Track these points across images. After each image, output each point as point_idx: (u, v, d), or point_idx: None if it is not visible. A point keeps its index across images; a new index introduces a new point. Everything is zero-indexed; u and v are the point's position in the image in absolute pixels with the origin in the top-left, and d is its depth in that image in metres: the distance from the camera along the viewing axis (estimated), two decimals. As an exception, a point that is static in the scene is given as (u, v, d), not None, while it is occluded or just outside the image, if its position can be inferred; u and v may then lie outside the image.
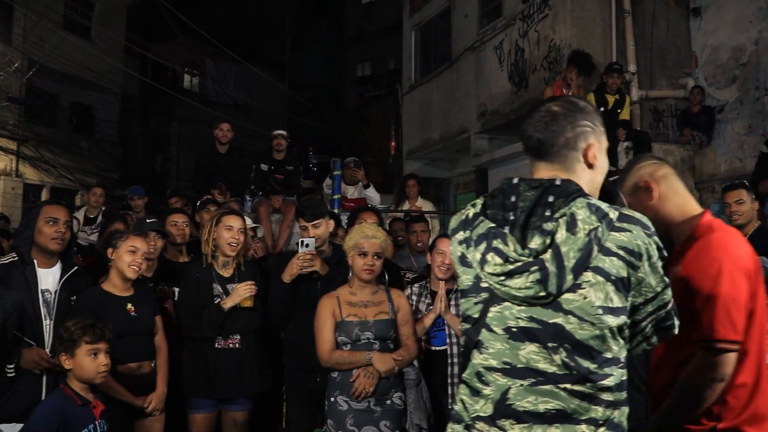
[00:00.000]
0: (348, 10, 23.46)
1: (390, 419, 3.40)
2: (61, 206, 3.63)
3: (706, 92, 8.25)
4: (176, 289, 4.26)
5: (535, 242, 1.56)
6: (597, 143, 1.73)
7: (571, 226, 1.55)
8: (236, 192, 7.43)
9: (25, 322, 3.34)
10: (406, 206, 7.83)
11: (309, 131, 22.76)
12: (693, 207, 2.23)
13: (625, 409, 1.62)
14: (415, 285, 4.23)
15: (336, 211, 7.01)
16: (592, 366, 1.55)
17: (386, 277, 3.90)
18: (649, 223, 1.61)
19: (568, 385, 1.55)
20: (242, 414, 3.94)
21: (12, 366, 3.25)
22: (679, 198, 2.23)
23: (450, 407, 3.90)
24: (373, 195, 8.07)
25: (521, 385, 1.58)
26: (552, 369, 1.56)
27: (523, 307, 1.59)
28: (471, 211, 1.73)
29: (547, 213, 1.57)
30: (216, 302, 3.82)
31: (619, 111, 7.82)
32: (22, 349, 3.27)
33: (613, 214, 1.57)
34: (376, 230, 3.59)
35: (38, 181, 16.77)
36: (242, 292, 3.80)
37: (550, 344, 1.56)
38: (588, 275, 1.54)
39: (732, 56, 8.07)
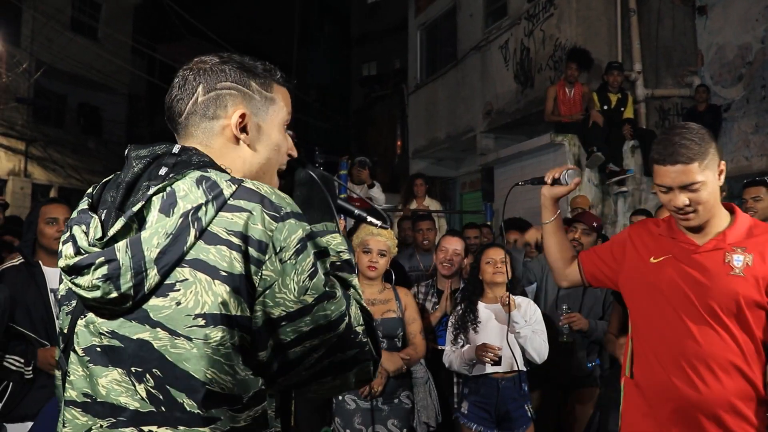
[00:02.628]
0: (353, 10, 23.47)
1: (398, 418, 3.42)
2: (60, 204, 3.64)
3: (713, 91, 8.25)
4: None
5: (115, 227, 1.13)
6: (247, 111, 1.30)
7: (167, 205, 1.13)
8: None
9: (37, 322, 3.37)
10: (413, 205, 7.87)
11: (315, 131, 22.83)
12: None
13: None
14: (422, 284, 4.26)
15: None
16: (188, 402, 1.11)
17: (393, 275, 3.93)
18: (284, 203, 1.17)
19: (152, 428, 1.11)
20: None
21: (30, 368, 3.28)
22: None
23: (456, 406, 3.93)
24: (377, 195, 8.10)
25: (101, 426, 1.14)
26: (134, 404, 1.12)
27: (105, 320, 1.16)
28: (88, 191, 1.32)
29: (150, 191, 1.15)
30: None
31: (622, 109, 7.85)
32: (38, 350, 3.31)
33: (229, 189, 1.14)
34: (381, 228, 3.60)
35: (46, 181, 16.88)
36: None
37: (134, 369, 1.12)
38: (184, 271, 1.11)
39: (738, 54, 8.06)
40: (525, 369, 3.66)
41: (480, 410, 3.62)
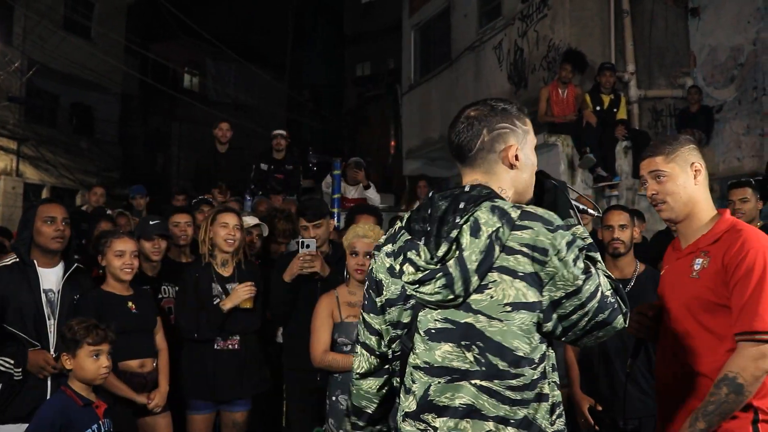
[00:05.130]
0: (347, 10, 23.46)
1: (391, 418, 3.41)
2: (57, 204, 3.63)
3: (705, 92, 8.27)
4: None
5: (442, 249, 1.64)
6: (517, 144, 1.77)
7: (475, 230, 1.62)
8: (236, 191, 7.45)
9: (28, 323, 3.35)
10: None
11: (308, 131, 22.79)
12: (712, 205, 2.34)
13: (541, 406, 1.64)
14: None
15: (335, 210, 7.05)
16: (501, 364, 1.61)
17: None
18: (553, 218, 1.64)
19: (477, 381, 1.62)
20: (241, 414, 3.95)
21: (20, 369, 3.26)
22: (707, 193, 2.34)
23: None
24: (373, 196, 8.11)
25: (439, 382, 1.66)
26: (465, 366, 1.63)
27: (439, 311, 1.67)
28: (397, 226, 1.83)
29: (457, 220, 1.64)
30: (215, 303, 3.82)
31: (615, 110, 7.86)
32: (29, 351, 3.29)
33: (515, 213, 1.63)
34: (368, 229, 3.53)
35: (39, 180, 16.78)
36: (242, 294, 3.79)
37: (463, 342, 1.64)
38: (494, 275, 1.61)
39: (730, 56, 8.09)
40: None
41: None
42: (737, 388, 2.02)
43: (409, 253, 1.70)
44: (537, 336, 1.64)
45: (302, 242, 3.72)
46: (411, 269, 1.67)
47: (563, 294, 1.62)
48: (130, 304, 3.66)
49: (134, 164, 19.96)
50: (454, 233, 1.63)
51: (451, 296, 1.63)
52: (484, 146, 1.76)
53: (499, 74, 10.27)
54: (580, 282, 1.61)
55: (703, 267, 2.20)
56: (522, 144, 1.79)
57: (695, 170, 2.28)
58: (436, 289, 1.63)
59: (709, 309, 2.16)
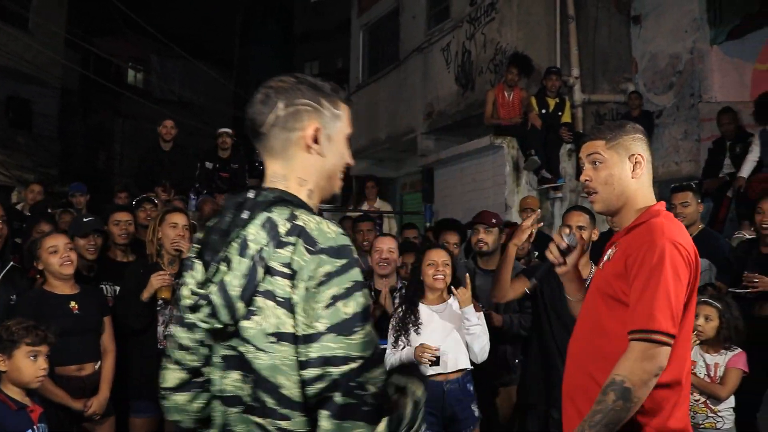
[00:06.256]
0: (296, 9, 23.30)
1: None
2: None
3: (646, 97, 8.50)
4: (118, 288, 4.17)
5: (210, 272, 1.42)
6: (321, 126, 1.51)
7: (243, 249, 1.38)
8: (180, 190, 7.32)
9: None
10: (365, 207, 7.89)
11: (256, 129, 22.48)
12: (651, 198, 2.16)
13: None
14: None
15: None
16: (270, 401, 1.36)
17: None
18: (323, 238, 1.36)
19: (256, 418, 1.39)
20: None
21: None
22: (647, 187, 2.16)
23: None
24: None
25: (234, 412, 1.43)
26: (247, 399, 1.41)
27: (223, 338, 1.45)
28: (198, 235, 1.55)
29: (232, 235, 1.42)
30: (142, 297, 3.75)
31: (560, 114, 8.02)
32: None
33: (284, 228, 1.37)
34: None
35: (-29, 177, 16.16)
36: (155, 283, 3.71)
37: (242, 373, 1.41)
38: (259, 300, 1.36)
39: (669, 63, 8.34)
40: (470, 368, 3.66)
41: (426, 414, 3.60)
42: (625, 394, 1.81)
43: (185, 273, 1.48)
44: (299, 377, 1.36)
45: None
46: (186, 292, 1.44)
47: (301, 333, 1.33)
48: (72, 303, 3.53)
49: (74, 161, 19.39)
50: (223, 252, 1.41)
51: (219, 325, 1.39)
52: (278, 122, 1.48)
53: (447, 76, 10.34)
54: (320, 328, 1.32)
55: (609, 258, 2.10)
56: (328, 127, 1.52)
57: (635, 162, 2.11)
58: (203, 318, 1.40)
59: (605, 300, 2.02)
